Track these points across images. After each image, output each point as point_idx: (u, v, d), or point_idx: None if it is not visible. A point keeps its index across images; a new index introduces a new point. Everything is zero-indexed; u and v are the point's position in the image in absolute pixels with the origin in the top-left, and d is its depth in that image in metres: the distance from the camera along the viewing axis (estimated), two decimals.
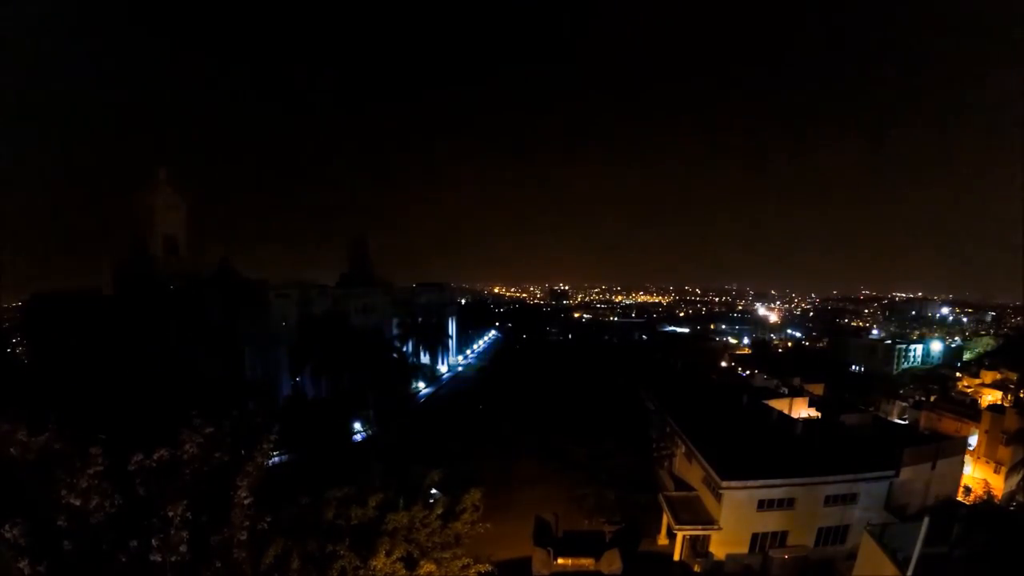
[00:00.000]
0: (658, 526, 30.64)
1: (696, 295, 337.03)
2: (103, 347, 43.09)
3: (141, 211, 58.97)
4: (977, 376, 72.55)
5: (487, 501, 19.95)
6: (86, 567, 10.75)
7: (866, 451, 30.03)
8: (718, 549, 27.45)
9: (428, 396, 68.51)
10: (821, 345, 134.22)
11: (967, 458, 38.48)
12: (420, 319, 79.02)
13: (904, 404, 58.88)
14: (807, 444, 32.41)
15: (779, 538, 27.53)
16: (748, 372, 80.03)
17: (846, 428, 36.92)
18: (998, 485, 39.03)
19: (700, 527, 27.80)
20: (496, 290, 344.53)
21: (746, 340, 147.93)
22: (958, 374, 78.47)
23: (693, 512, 28.81)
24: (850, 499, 27.63)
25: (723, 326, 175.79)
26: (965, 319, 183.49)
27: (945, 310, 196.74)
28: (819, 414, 44.74)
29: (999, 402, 57.75)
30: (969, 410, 48.64)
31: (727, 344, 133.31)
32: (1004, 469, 39.16)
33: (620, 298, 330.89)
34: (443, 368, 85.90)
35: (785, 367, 73.86)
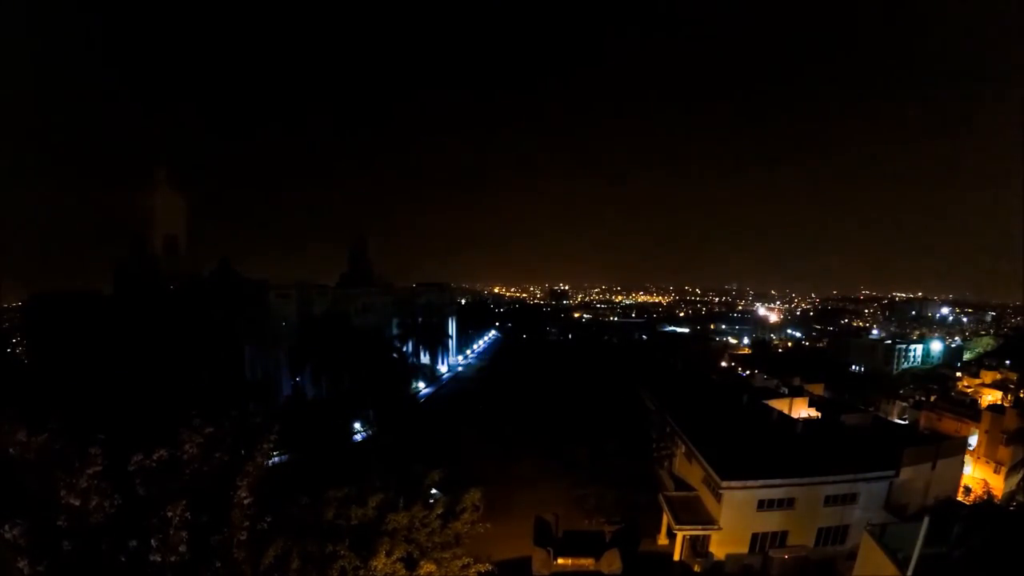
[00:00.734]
0: (658, 526, 30.64)
1: (696, 295, 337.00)
2: (103, 347, 43.07)
3: (141, 211, 59.04)
4: (977, 376, 72.67)
5: (487, 501, 19.91)
6: (86, 567, 10.73)
7: (866, 451, 30.03)
8: (718, 549, 27.46)
9: (428, 396, 68.51)
10: (821, 345, 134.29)
11: (967, 458, 38.49)
12: (420, 319, 79.05)
13: (904, 404, 58.99)
14: (807, 444, 32.42)
15: (779, 538, 27.53)
16: (748, 372, 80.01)
17: (846, 428, 36.91)
18: (998, 485, 39.04)
19: (700, 527, 27.80)
20: (496, 290, 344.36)
21: (746, 340, 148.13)
22: (958, 374, 78.59)
23: (693, 512, 28.81)
24: (850, 499, 27.63)
25: (723, 326, 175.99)
26: (965, 319, 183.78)
27: (945, 310, 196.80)
28: (819, 414, 44.70)
29: (999, 402, 57.79)
30: (969, 410, 48.68)
31: (727, 344, 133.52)
32: (1004, 469, 39.19)
33: (620, 298, 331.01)
34: (443, 368, 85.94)
35: (785, 367, 73.76)
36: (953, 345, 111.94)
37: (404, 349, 69.60)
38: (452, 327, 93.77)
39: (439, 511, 18.52)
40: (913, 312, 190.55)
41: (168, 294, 51.52)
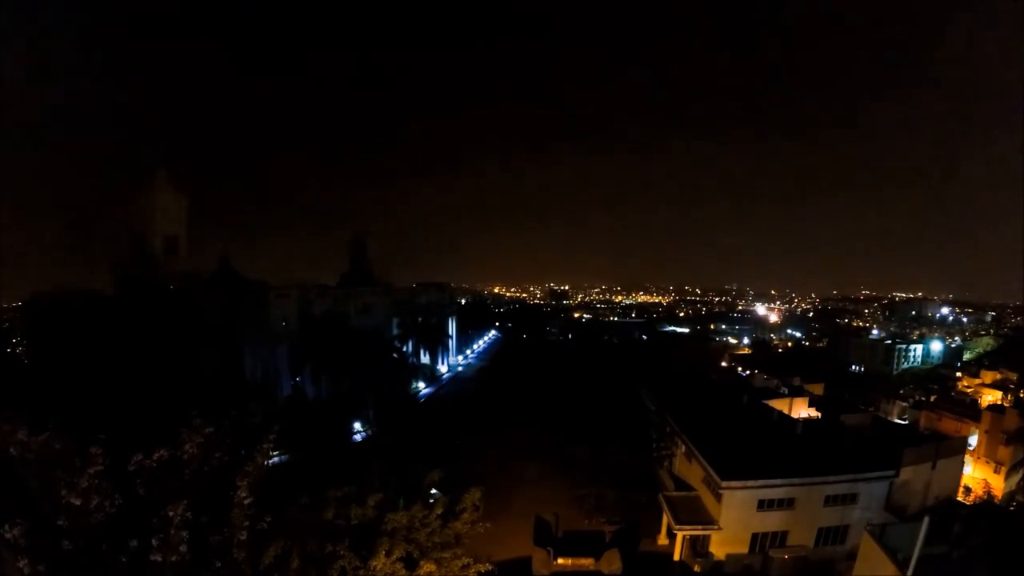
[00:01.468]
0: (658, 526, 30.64)
1: (696, 295, 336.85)
2: (103, 347, 43.06)
3: (141, 211, 59.01)
4: (977, 376, 72.63)
5: (487, 501, 19.92)
6: (86, 567, 10.73)
7: (866, 451, 30.07)
8: (718, 549, 27.46)
9: (428, 396, 68.49)
10: (821, 345, 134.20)
11: (967, 458, 38.50)
12: (420, 319, 78.92)
13: (904, 404, 58.95)
14: (807, 444, 32.44)
15: (779, 538, 27.54)
16: (748, 372, 79.99)
17: (846, 428, 36.88)
18: (998, 485, 39.05)
19: (700, 527, 27.81)
20: (496, 290, 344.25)
21: (746, 340, 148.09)
22: (958, 374, 78.59)
23: (693, 512, 28.81)
24: (850, 499, 27.64)
25: (723, 326, 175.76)
26: (965, 319, 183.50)
27: (945, 310, 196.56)
28: (819, 414, 44.74)
29: (999, 402, 57.81)
30: (969, 410, 48.72)
31: (727, 344, 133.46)
32: (1004, 469, 39.22)
33: (620, 298, 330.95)
34: (443, 368, 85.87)
35: (785, 367, 73.76)
36: (953, 345, 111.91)
37: (404, 349, 69.51)
38: (452, 327, 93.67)
39: (439, 511, 18.50)
40: (913, 312, 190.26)
41: (168, 294, 51.48)
